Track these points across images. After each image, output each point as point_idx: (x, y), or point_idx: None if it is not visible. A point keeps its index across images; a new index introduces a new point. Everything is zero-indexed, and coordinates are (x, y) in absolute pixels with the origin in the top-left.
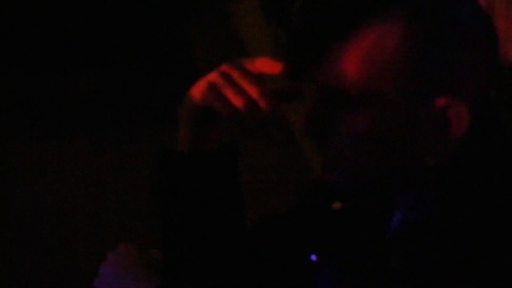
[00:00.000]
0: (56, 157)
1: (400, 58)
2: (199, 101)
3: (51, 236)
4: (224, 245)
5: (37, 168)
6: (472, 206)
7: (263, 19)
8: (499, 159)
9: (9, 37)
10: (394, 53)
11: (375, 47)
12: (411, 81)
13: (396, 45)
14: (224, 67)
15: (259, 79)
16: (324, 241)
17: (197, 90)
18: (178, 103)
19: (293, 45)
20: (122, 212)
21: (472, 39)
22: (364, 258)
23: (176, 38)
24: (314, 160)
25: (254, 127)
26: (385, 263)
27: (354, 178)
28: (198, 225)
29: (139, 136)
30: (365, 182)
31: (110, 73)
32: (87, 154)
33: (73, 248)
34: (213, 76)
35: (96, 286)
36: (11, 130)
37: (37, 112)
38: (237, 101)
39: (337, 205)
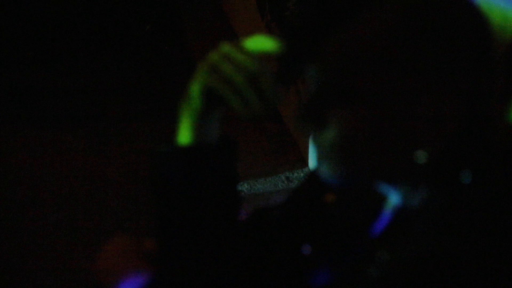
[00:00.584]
0: (52, 151)
1: (393, 53)
2: (201, 83)
3: (47, 229)
4: (218, 237)
5: (33, 162)
6: (463, 201)
7: (258, 15)
8: (492, 154)
9: (5, 33)
10: (387, 48)
11: (367, 42)
12: (404, 76)
13: (388, 40)
14: (222, 47)
15: (256, 57)
16: (315, 233)
17: (199, 72)
18: (173, 98)
19: (287, 39)
20: (118, 204)
21: (466, 34)
22: (354, 250)
23: (172, 34)
24: (308, 153)
25: (253, 105)
26: (375, 256)
27: (346, 172)
28: (195, 217)
29: (135, 130)
30: (357, 177)
31: (106, 68)
32: (84, 148)
33: (69, 241)
34: (212, 56)
35: (92, 277)
36: (6, 124)
37: (33, 107)
38: (236, 78)
39: (329, 197)
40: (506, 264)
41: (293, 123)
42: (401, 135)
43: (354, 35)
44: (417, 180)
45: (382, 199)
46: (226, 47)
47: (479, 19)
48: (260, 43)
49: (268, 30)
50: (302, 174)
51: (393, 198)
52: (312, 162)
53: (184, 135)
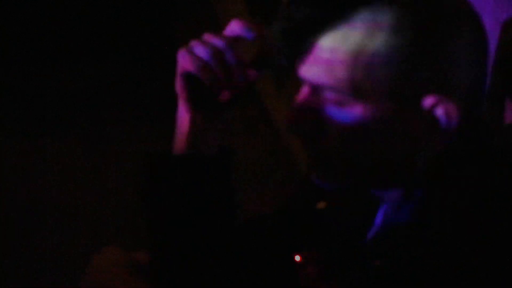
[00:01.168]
0: (47, 155)
1: (388, 55)
2: (182, 70)
3: (41, 235)
4: (212, 247)
5: (28, 166)
6: (458, 205)
7: (250, 20)
8: (487, 158)
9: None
10: (383, 49)
11: (363, 43)
12: (399, 79)
13: (384, 42)
14: (201, 37)
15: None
16: (308, 240)
17: (179, 60)
18: (173, 101)
19: (281, 41)
20: (113, 212)
21: (461, 38)
22: (348, 257)
23: (164, 39)
24: (301, 159)
25: (230, 88)
26: (369, 262)
27: (341, 175)
28: (190, 228)
29: (127, 135)
30: (352, 180)
31: (100, 72)
32: (80, 152)
33: (63, 248)
34: (191, 44)
35: None
36: (1, 128)
37: (27, 110)
38: (214, 63)
39: (321, 205)
40: (501, 268)
41: (285, 127)
42: (396, 138)
43: (349, 36)
44: (413, 184)
45: (375, 205)
46: (204, 35)
47: (475, 21)
48: (238, 28)
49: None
50: (295, 181)
51: (387, 203)
52: (305, 167)
53: (181, 145)
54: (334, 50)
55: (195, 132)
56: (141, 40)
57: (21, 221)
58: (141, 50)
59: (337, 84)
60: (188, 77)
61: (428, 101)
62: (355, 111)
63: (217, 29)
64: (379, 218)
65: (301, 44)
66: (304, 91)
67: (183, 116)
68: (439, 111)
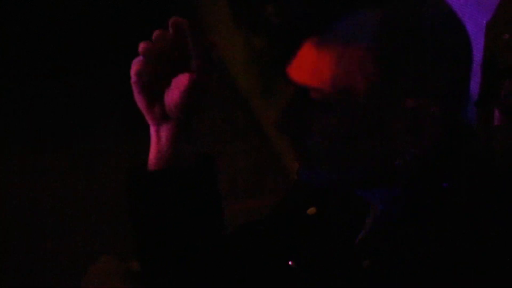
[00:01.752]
0: (34, 173)
1: (372, 58)
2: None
3: (30, 250)
4: (202, 255)
5: (14, 184)
6: (444, 206)
7: (234, 26)
8: (470, 158)
9: None
10: (366, 52)
11: (348, 45)
12: (382, 81)
13: (368, 45)
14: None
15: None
16: (299, 246)
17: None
18: None
19: (268, 45)
20: (106, 221)
21: (444, 42)
22: (339, 261)
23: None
24: (291, 165)
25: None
26: (358, 264)
27: (327, 175)
28: (177, 238)
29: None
30: (338, 179)
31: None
32: (68, 167)
33: (52, 259)
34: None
35: None
36: None
37: (13, 124)
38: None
39: (311, 210)
40: (486, 266)
41: (273, 126)
42: (382, 139)
43: (333, 39)
44: (398, 185)
45: (364, 208)
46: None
47: (456, 24)
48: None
49: (246, 40)
50: (285, 186)
51: (374, 205)
52: (294, 172)
53: (157, 156)
54: (318, 52)
55: (164, 143)
56: (125, 47)
57: (4, 239)
58: (126, 59)
59: (322, 85)
60: (140, 86)
61: (410, 102)
62: (339, 112)
63: (201, 34)
64: (367, 221)
65: (287, 47)
66: (291, 92)
67: (151, 129)
68: (421, 113)
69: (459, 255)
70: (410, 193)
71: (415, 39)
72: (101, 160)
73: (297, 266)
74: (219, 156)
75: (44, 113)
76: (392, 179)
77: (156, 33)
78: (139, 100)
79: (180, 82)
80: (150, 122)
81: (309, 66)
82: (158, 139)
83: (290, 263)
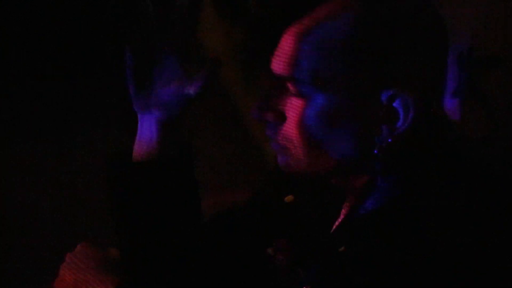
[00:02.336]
0: (21, 160)
1: (349, 49)
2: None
3: (15, 243)
4: (181, 243)
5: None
6: (417, 194)
7: (215, 16)
8: (445, 149)
9: None
10: (344, 43)
11: (326, 36)
12: (359, 72)
13: (346, 36)
14: None
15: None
16: (277, 233)
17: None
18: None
19: (249, 35)
20: (106, 221)
21: (419, 32)
22: (315, 245)
23: None
24: (268, 153)
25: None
26: (335, 251)
27: (304, 163)
28: (156, 226)
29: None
30: (315, 169)
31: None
32: (54, 156)
33: (35, 248)
34: None
35: (56, 287)
36: None
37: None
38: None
39: (289, 198)
40: (458, 252)
41: (252, 115)
42: (355, 128)
43: (311, 29)
44: (374, 173)
45: (341, 196)
46: None
47: (433, 17)
48: None
49: (228, 31)
50: (263, 176)
51: (351, 194)
52: (272, 161)
53: (138, 144)
54: (297, 42)
55: (145, 131)
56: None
57: (11, 228)
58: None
59: (300, 75)
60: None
61: (386, 93)
62: (316, 101)
63: (186, 31)
64: (344, 209)
65: (267, 38)
66: (270, 82)
67: (139, 119)
68: (397, 103)
69: (432, 242)
70: (385, 182)
71: (392, 30)
72: (101, 160)
73: (274, 253)
74: (198, 145)
75: (44, 113)
76: (368, 167)
77: None
78: (129, 86)
79: (175, 84)
80: (135, 108)
81: (288, 56)
82: (140, 126)
83: (268, 250)
